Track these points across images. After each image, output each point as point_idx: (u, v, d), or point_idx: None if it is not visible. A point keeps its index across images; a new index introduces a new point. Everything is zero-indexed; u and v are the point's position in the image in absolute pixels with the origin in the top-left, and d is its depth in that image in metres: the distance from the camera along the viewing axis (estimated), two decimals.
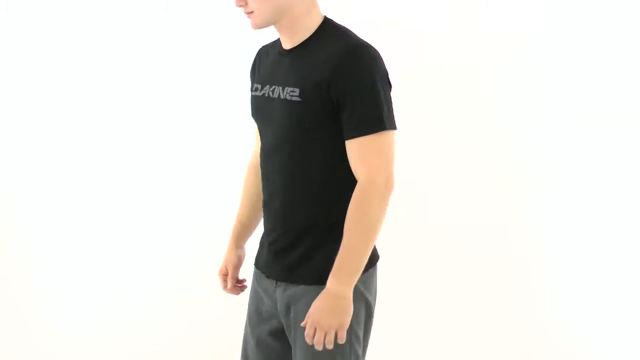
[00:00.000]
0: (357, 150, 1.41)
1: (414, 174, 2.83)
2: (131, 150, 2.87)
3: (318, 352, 1.42)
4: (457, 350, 2.85)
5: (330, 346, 1.40)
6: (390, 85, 1.50)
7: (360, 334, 1.50)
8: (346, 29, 1.53)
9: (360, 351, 1.51)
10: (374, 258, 1.53)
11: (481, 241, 2.86)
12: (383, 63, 1.47)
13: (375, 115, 1.41)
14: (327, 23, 1.53)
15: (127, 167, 2.87)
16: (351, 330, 1.46)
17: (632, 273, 2.87)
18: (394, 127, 1.46)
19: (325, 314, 1.38)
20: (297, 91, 1.45)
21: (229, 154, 2.80)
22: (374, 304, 1.55)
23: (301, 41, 1.51)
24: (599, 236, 2.87)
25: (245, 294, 1.79)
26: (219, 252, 2.91)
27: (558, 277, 2.90)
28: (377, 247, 1.57)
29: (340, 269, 1.41)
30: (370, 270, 1.51)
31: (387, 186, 1.43)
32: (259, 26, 1.52)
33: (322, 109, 1.43)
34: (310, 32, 1.51)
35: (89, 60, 2.84)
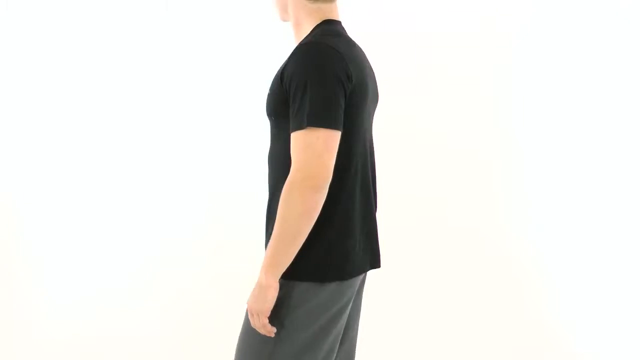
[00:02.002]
0: (291, 144, 1.45)
1: (414, 174, 2.84)
2: (130, 150, 2.88)
3: (244, 332, 1.57)
4: (457, 349, 2.85)
5: (262, 331, 1.49)
6: (341, 84, 1.47)
7: (285, 339, 1.51)
8: (331, 31, 1.55)
9: (283, 350, 1.52)
10: (317, 272, 1.50)
11: (480, 241, 2.86)
12: (332, 61, 1.46)
13: (303, 113, 1.42)
14: (320, 26, 1.57)
15: (125, 167, 2.87)
16: (278, 327, 1.50)
17: (630, 273, 2.88)
18: (320, 125, 1.42)
19: (250, 299, 1.50)
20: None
21: (229, 153, 2.81)
22: (312, 321, 1.51)
23: (299, 42, 1.59)
24: (597, 236, 2.87)
25: (228, 289, 1.77)
26: (219, 252, 2.95)
27: (557, 277, 2.90)
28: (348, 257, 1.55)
29: (264, 257, 1.48)
30: (309, 283, 1.50)
31: (304, 183, 1.41)
32: (281, 19, 1.70)
33: (280, 101, 1.49)
34: (306, 34, 1.58)
35: (88, 60, 2.84)
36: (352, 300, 1.58)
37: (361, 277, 1.61)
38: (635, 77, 2.83)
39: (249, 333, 1.55)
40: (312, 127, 1.41)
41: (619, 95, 2.84)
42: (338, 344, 1.58)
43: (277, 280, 1.46)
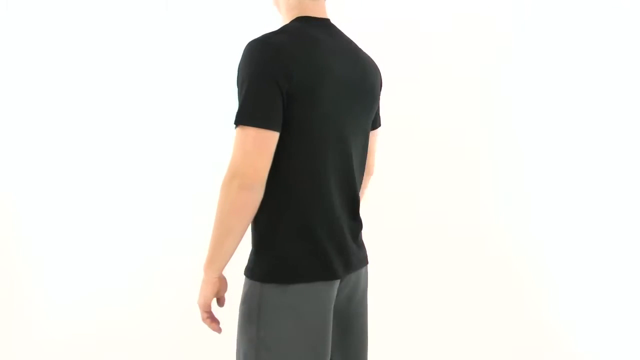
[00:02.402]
0: None
1: (414, 174, 2.84)
2: (131, 151, 2.88)
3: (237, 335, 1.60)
4: (457, 349, 2.85)
5: (207, 324, 1.55)
6: (275, 83, 1.45)
7: (262, 342, 1.49)
8: (289, 28, 1.53)
9: (249, 347, 1.51)
10: (278, 274, 1.48)
11: (481, 241, 2.86)
12: (267, 59, 1.44)
13: (238, 110, 1.43)
14: (292, 22, 1.56)
15: (126, 167, 2.87)
16: (255, 328, 1.49)
17: (631, 273, 2.87)
18: (250, 124, 1.41)
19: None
20: None
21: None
22: (283, 323, 1.49)
23: None
24: (598, 236, 2.87)
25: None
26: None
27: (557, 277, 2.90)
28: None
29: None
30: (272, 285, 1.48)
31: (233, 181, 1.40)
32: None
33: None
34: None
35: (88, 60, 2.84)
36: (327, 304, 1.51)
37: (335, 282, 1.53)
38: (635, 77, 2.84)
39: (237, 337, 1.56)
40: (243, 126, 1.40)
41: (620, 94, 2.84)
42: (324, 348, 1.52)
43: (216, 276, 1.48)
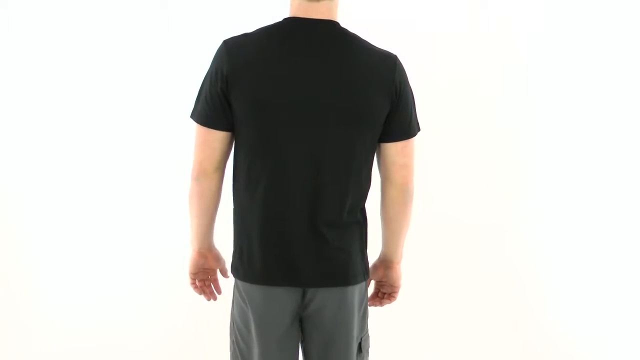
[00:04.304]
0: None
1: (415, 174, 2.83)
2: (132, 151, 2.88)
3: None
4: (458, 349, 2.85)
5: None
6: (214, 82, 1.49)
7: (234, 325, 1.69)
8: (262, 28, 1.56)
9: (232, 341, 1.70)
10: (232, 267, 1.65)
11: (481, 240, 2.86)
12: (215, 58, 1.52)
13: None
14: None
15: (124, 167, 2.87)
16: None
17: (632, 273, 2.87)
18: (194, 119, 1.54)
19: None
20: None
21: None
22: (239, 315, 1.65)
23: None
24: (600, 236, 2.87)
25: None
26: (221, 252, 2.94)
27: (557, 277, 2.90)
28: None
29: None
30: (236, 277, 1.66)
31: (192, 176, 1.57)
32: None
33: None
34: None
35: (88, 60, 2.84)
36: (259, 308, 1.57)
37: (279, 289, 1.55)
38: (635, 77, 2.83)
39: None
40: (192, 119, 1.54)
41: (622, 94, 2.83)
42: (266, 347, 1.59)
43: (195, 251, 1.70)
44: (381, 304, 1.81)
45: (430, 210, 2.83)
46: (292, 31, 1.51)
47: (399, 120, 1.57)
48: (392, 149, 1.60)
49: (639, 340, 2.86)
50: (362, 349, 1.66)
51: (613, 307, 2.88)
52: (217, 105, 1.47)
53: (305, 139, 1.49)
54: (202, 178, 1.54)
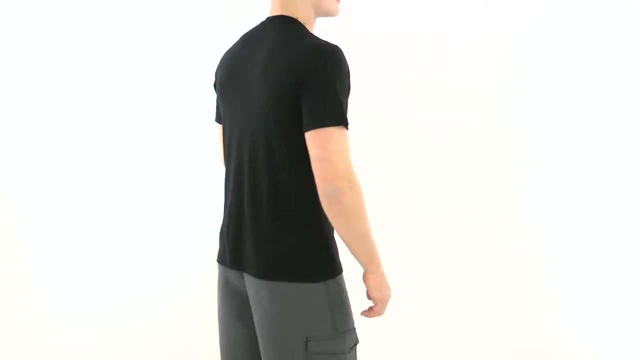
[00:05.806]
0: None
1: (415, 173, 2.84)
2: (129, 150, 2.87)
3: None
4: (458, 349, 2.85)
5: None
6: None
7: None
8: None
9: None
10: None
11: (481, 240, 2.86)
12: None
13: None
14: None
15: (124, 167, 2.87)
16: None
17: (633, 273, 2.87)
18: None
19: None
20: None
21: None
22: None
23: None
24: (600, 236, 2.87)
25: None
26: (216, 252, 2.94)
27: (558, 277, 2.90)
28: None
29: None
30: None
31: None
32: None
33: None
34: None
35: (88, 60, 2.83)
36: (221, 284, 1.65)
37: (230, 271, 1.60)
38: (634, 77, 2.83)
39: None
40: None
41: (622, 94, 2.83)
42: (224, 322, 1.65)
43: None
44: (367, 315, 1.63)
45: (430, 210, 2.83)
46: (257, 29, 1.60)
47: (307, 108, 1.43)
48: (306, 138, 1.44)
49: (639, 341, 2.86)
50: (308, 348, 1.44)
51: (613, 307, 2.88)
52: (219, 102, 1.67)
53: (236, 130, 1.57)
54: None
